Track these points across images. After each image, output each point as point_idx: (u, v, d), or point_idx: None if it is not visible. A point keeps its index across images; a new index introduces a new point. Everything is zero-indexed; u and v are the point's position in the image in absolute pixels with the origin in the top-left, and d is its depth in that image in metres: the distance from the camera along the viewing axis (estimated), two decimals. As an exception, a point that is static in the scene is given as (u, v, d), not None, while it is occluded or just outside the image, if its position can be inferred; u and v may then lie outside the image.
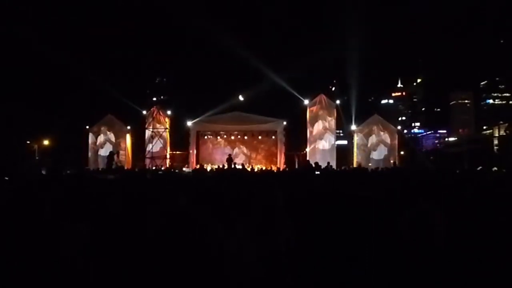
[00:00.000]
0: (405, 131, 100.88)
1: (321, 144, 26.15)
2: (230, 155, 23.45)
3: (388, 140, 26.66)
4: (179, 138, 28.12)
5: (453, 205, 3.92)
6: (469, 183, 6.16)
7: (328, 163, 20.66)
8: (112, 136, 27.41)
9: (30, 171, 14.83)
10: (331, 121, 26.27)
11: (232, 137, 29.03)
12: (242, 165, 23.39)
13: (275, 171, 18.55)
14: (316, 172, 11.86)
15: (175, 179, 8.64)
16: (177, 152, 28.39)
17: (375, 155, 26.46)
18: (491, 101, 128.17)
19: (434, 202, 3.47)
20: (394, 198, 4.36)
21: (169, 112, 27.64)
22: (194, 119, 27.56)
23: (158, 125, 27.18)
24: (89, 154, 27.20)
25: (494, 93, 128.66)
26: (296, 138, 27.22)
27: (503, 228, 3.45)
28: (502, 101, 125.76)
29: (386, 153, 26.51)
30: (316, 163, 15.42)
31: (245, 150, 29.08)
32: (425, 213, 3.18)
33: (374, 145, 26.69)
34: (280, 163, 26.39)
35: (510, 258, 3.09)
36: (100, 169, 20.02)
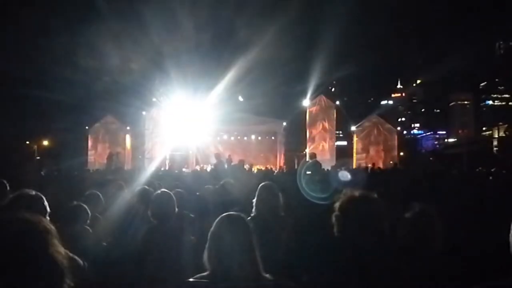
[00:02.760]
0: (405, 132, 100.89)
1: (321, 145, 26.15)
2: (229, 155, 23.36)
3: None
4: (179, 139, 28.08)
5: (453, 205, 3.93)
6: (469, 183, 6.16)
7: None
8: None
9: (30, 171, 14.82)
10: (331, 122, 26.27)
11: (232, 138, 28.99)
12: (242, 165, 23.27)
13: (274, 171, 18.55)
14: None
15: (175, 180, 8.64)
16: (177, 153, 28.33)
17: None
18: (490, 102, 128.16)
19: (434, 203, 3.47)
20: (394, 198, 4.36)
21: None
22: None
23: (157, 126, 27.14)
24: (88, 154, 27.16)
25: (494, 94, 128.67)
26: (296, 139, 27.24)
27: (503, 229, 3.45)
28: (501, 102, 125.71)
29: None
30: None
31: (244, 150, 29.05)
32: (425, 214, 3.18)
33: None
34: (280, 163, 26.39)
35: (510, 259, 3.09)
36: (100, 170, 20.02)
